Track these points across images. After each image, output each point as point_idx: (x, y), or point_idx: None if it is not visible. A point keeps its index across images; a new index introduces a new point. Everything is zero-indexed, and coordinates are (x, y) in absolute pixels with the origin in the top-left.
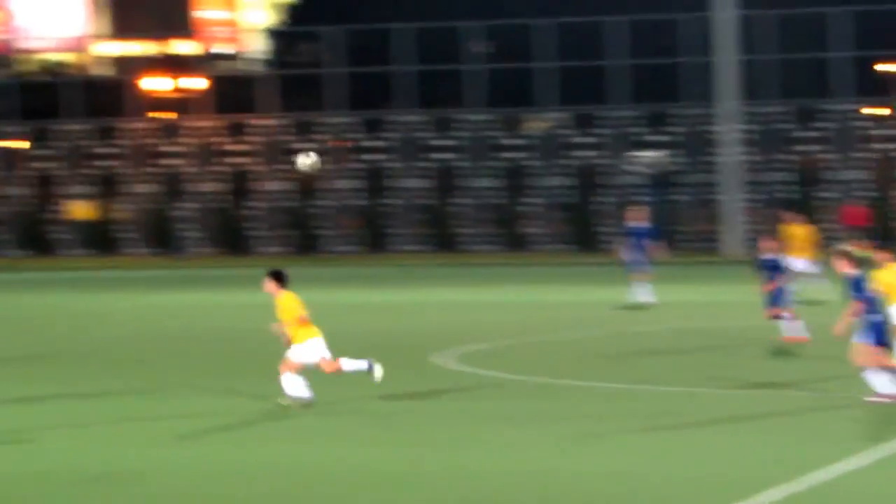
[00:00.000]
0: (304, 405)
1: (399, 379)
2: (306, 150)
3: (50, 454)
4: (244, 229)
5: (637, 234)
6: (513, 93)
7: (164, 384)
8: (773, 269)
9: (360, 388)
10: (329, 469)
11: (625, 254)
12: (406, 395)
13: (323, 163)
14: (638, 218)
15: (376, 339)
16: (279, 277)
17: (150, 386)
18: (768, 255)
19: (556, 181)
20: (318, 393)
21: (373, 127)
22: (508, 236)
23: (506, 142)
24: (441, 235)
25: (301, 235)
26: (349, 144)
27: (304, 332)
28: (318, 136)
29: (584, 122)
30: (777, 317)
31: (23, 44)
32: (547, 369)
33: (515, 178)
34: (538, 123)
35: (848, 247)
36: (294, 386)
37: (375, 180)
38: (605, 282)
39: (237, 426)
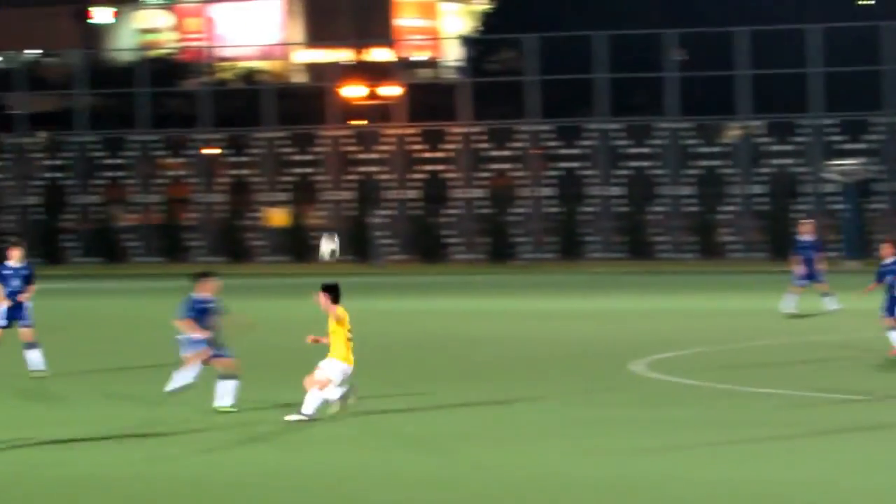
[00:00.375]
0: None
1: (596, 387)
2: (329, 237)
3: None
4: (439, 236)
5: (805, 247)
6: (709, 100)
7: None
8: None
9: (555, 391)
10: (528, 477)
11: (797, 267)
12: (603, 403)
13: (518, 170)
14: (807, 231)
15: (572, 346)
16: (333, 292)
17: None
18: (888, 260)
19: (752, 189)
20: (519, 399)
21: (568, 134)
22: (704, 244)
23: (702, 150)
24: (636, 243)
25: (496, 243)
26: (543, 152)
27: (348, 354)
28: (514, 144)
29: (781, 130)
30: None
31: (221, 52)
32: (736, 377)
33: (711, 186)
34: (735, 131)
35: None
36: (314, 403)
37: (571, 188)
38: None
39: (446, 432)
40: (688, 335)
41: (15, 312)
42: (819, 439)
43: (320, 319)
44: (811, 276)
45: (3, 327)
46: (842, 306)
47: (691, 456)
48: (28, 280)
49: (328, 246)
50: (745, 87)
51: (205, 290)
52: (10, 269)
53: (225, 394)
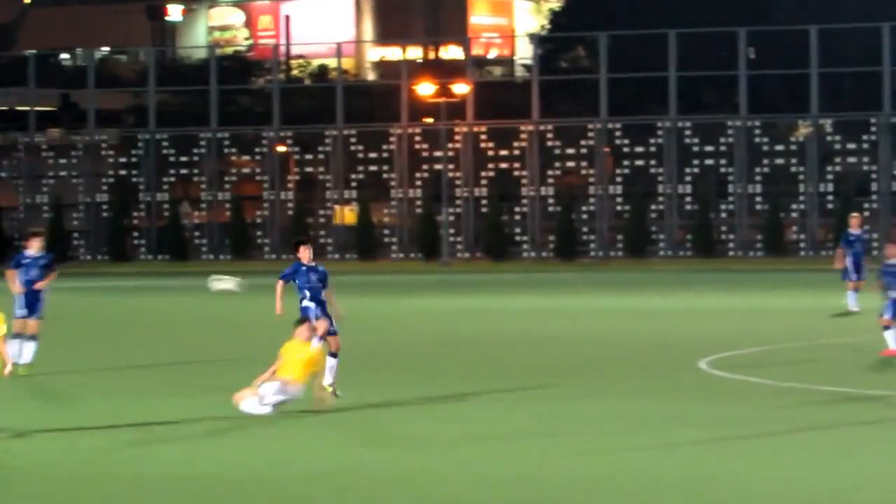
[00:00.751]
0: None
1: (663, 385)
2: (221, 278)
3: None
4: (509, 234)
5: (853, 241)
6: (779, 99)
7: (436, 389)
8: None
9: (620, 389)
10: (579, 476)
11: (842, 260)
12: (669, 401)
13: (588, 168)
14: (856, 225)
15: (639, 344)
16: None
17: (425, 392)
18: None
19: (821, 188)
20: (583, 396)
21: (638, 132)
22: (772, 242)
23: (771, 148)
24: (705, 241)
25: (565, 240)
26: (613, 150)
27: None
28: (584, 142)
29: (850, 129)
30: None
31: (292, 49)
32: (803, 375)
33: (780, 185)
34: (804, 129)
35: None
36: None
37: (640, 186)
38: (865, 288)
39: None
40: (755, 333)
41: (32, 301)
42: (885, 436)
43: (385, 317)
44: (858, 271)
45: (24, 317)
46: (860, 308)
47: (756, 452)
48: (46, 269)
49: (223, 284)
50: (814, 86)
51: (302, 257)
52: (29, 258)
53: (329, 371)
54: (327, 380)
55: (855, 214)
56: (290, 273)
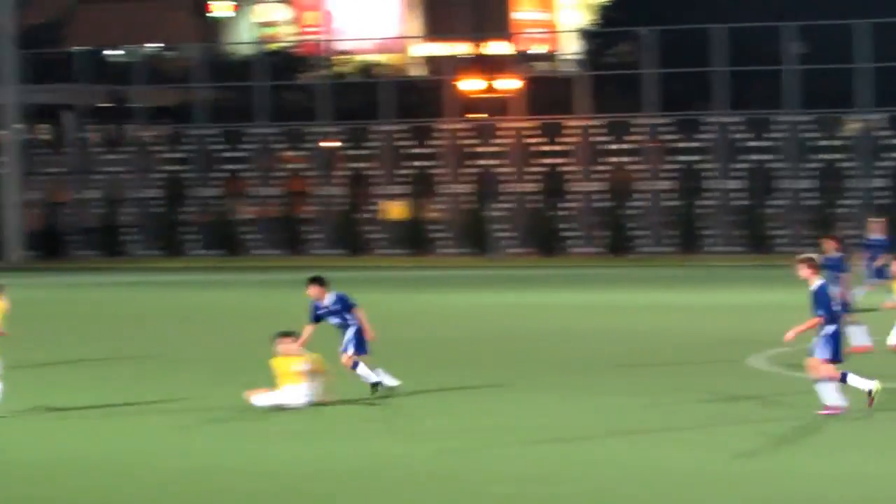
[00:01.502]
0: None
1: (714, 381)
2: None
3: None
4: (557, 230)
5: (875, 246)
6: (829, 93)
7: (491, 383)
8: (835, 269)
9: (670, 385)
10: (639, 471)
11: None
12: (720, 397)
13: (637, 163)
14: (876, 230)
15: (690, 340)
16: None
17: (483, 384)
18: (832, 255)
19: (872, 183)
20: (632, 392)
21: (687, 128)
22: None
23: (821, 143)
24: (755, 237)
25: (614, 236)
26: (662, 145)
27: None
28: (632, 137)
29: None
30: None
31: (340, 45)
32: (856, 371)
33: (831, 180)
34: (855, 124)
35: (811, 254)
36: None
37: (689, 181)
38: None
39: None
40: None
41: None
42: None
43: (434, 312)
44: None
45: None
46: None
47: (808, 449)
48: None
49: None
50: (865, 80)
51: (311, 294)
52: None
53: (368, 374)
54: (371, 378)
55: (874, 219)
56: (313, 317)
